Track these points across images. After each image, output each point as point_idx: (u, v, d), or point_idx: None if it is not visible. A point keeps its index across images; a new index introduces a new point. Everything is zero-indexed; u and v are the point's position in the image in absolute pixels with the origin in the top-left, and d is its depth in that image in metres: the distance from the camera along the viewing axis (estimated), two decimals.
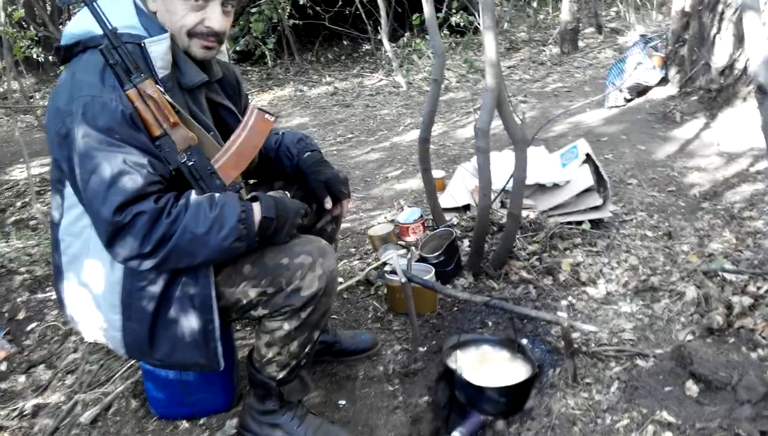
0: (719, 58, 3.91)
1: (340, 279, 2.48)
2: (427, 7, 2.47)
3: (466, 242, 2.68)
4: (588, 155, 3.08)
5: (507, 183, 2.74)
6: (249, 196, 1.42)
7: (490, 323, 2.14)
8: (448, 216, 2.91)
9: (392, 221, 2.88)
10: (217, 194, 1.35)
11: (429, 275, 2.23)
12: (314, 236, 1.51)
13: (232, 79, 1.72)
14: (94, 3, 1.27)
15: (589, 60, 6.26)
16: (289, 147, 1.77)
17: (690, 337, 1.93)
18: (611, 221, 2.79)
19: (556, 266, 2.40)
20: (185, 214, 1.28)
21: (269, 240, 1.41)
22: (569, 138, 4.28)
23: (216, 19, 1.41)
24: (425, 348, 2.07)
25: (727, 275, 2.19)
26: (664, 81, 4.37)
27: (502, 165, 2.96)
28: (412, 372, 1.95)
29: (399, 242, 2.72)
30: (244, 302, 1.43)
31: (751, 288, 2.07)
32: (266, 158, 1.79)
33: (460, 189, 3.14)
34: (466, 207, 2.97)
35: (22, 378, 2.15)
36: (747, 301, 2.01)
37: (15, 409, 1.94)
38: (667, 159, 3.66)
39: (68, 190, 1.40)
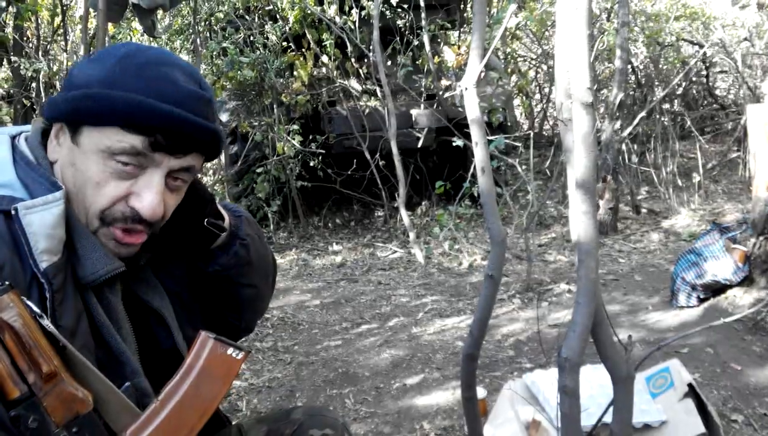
0: None
1: None
2: (484, 180, 1.73)
3: None
4: (691, 387, 2.21)
5: (597, 423, 1.81)
6: None
7: None
8: None
9: None
10: None
11: None
12: None
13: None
14: None
15: (632, 244, 5.54)
16: None
17: None
18: None
19: None
20: None
21: None
22: (638, 348, 3.38)
23: (149, 198, 0.84)
24: None
25: None
26: (747, 280, 3.55)
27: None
28: None
29: None
30: None
31: None
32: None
33: (510, 423, 2.21)
34: None
35: None
36: None
37: None
38: None
39: None
